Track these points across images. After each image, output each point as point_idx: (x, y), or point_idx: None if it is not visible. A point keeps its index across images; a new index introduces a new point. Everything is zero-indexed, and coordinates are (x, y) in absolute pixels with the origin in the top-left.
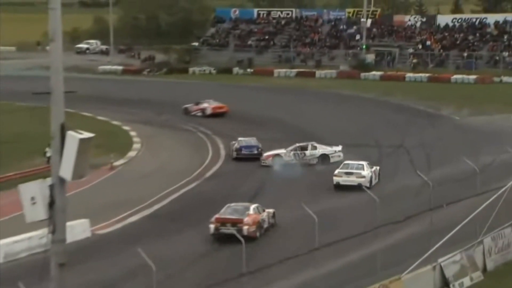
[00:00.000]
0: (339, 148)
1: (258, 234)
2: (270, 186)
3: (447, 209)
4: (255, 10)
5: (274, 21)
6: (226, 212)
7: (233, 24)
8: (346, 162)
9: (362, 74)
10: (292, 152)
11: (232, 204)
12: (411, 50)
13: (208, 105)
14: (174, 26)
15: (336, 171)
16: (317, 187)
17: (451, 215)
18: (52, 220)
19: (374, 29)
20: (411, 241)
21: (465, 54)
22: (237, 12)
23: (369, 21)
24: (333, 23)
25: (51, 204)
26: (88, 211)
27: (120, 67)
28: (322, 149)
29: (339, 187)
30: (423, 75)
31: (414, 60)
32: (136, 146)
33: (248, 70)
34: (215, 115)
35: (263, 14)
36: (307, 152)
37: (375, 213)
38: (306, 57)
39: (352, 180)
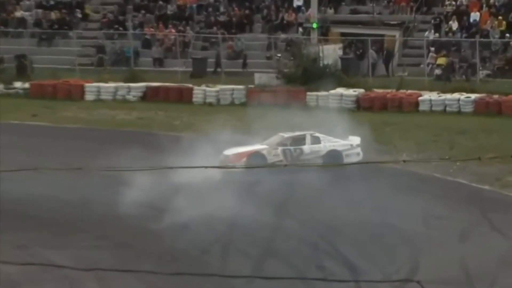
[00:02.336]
0: (357, 140)
1: None
2: None
3: None
4: None
5: None
6: None
7: None
8: None
9: (311, 95)
10: (281, 148)
11: None
12: (431, 35)
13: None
14: None
15: None
16: None
17: None
18: None
19: None
20: None
21: None
22: None
23: None
24: None
25: None
26: None
27: None
28: (329, 142)
29: None
30: (463, 97)
31: (440, 61)
32: None
33: (18, 85)
34: None
35: None
36: (305, 148)
37: None
38: (167, 51)
39: None
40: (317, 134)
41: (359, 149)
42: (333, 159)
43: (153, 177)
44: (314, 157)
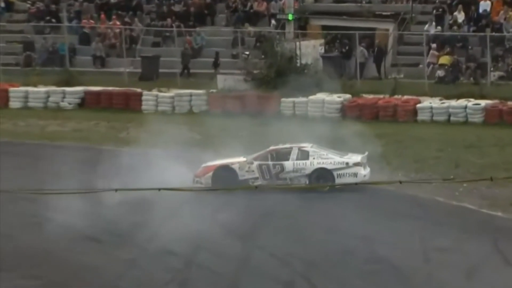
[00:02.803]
0: (357, 158)
1: None
2: None
3: None
4: None
5: None
6: None
7: None
8: None
9: (287, 102)
10: (256, 163)
11: None
12: (432, 29)
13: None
14: None
15: None
16: None
17: None
18: None
19: None
20: None
21: None
22: None
23: None
24: None
25: None
26: None
27: None
28: (320, 158)
29: None
30: (471, 104)
31: (443, 60)
32: None
33: None
34: None
35: None
36: (287, 164)
37: None
38: (110, 48)
39: None
40: (307, 148)
41: (357, 169)
42: (320, 179)
43: (92, 201)
44: (297, 175)
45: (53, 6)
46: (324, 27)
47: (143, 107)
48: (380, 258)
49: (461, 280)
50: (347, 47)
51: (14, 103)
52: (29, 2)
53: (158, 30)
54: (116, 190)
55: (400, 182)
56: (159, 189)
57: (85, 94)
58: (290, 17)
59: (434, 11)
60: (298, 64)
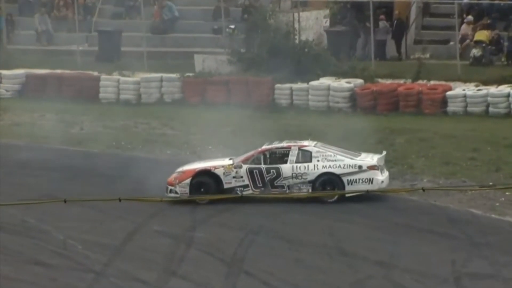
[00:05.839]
0: (373, 159)
1: None
2: None
3: None
4: None
5: None
6: None
7: None
8: None
9: (282, 89)
10: (246, 167)
11: None
12: None
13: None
14: None
15: None
16: None
17: None
18: None
19: None
20: None
21: None
22: None
23: None
24: None
25: None
26: None
27: None
28: (325, 160)
29: None
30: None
31: (480, 36)
32: None
33: None
34: None
35: None
36: (285, 168)
37: None
38: (59, 20)
39: None
40: (309, 148)
41: (372, 173)
42: (327, 186)
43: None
44: (297, 182)
45: None
46: None
47: (101, 95)
48: None
49: None
50: (358, 20)
51: None
52: None
53: None
54: (120, 199)
55: (423, 190)
56: (119, 200)
57: (27, 78)
58: None
59: None
60: (297, 41)
